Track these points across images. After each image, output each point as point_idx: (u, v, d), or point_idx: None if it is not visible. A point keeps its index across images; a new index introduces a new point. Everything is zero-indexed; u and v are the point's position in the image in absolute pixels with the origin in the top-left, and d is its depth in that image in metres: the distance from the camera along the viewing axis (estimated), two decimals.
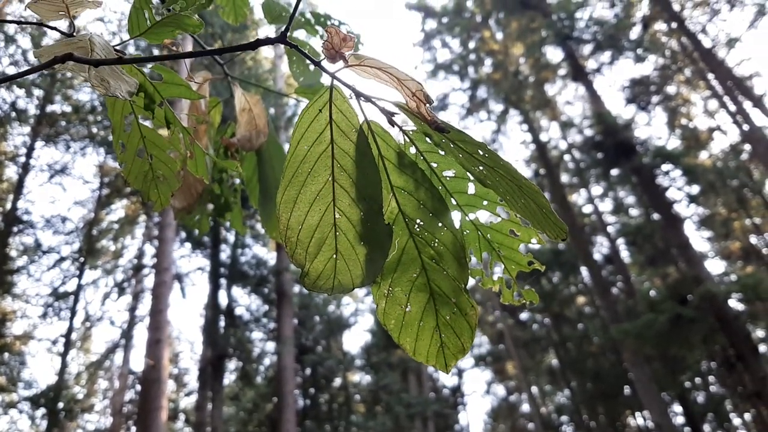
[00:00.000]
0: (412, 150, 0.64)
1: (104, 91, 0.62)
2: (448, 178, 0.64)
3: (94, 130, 15.79)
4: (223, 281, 18.18)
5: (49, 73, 14.97)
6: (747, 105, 16.66)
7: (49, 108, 15.14)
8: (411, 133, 0.63)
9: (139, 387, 16.92)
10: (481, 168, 0.59)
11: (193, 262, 28.65)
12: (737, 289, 14.03)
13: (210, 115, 1.40)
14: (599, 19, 19.11)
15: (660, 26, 19.32)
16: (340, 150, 0.61)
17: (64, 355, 15.00)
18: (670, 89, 20.45)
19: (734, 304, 14.45)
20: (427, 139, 0.63)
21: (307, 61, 1.42)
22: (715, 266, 26.05)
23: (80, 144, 15.83)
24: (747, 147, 18.37)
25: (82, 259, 16.43)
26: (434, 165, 0.64)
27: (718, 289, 13.52)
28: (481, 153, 0.57)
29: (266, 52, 19.82)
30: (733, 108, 17.44)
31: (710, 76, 18.26)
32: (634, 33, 18.84)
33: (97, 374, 19.80)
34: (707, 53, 16.87)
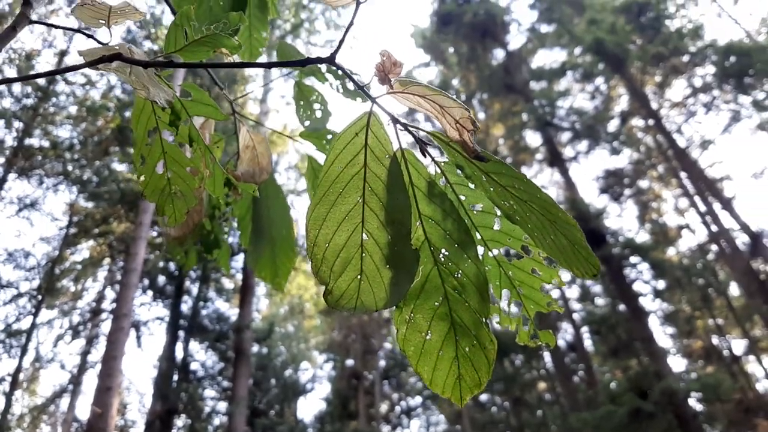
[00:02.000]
0: (442, 181, 0.65)
1: (145, 95, 0.63)
2: (475, 212, 0.65)
3: (70, 167, 15.65)
4: (181, 333, 17.81)
5: (32, 105, 14.95)
6: (716, 206, 17.12)
7: (27, 141, 15.02)
8: (443, 164, 0.65)
9: None
10: (511, 203, 0.60)
11: (152, 311, 28.16)
12: (697, 388, 14.08)
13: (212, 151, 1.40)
14: (579, 109, 19.70)
15: (637, 122, 19.96)
16: (372, 174, 0.61)
17: (9, 395, 14.45)
18: (643, 183, 20.96)
19: (693, 403, 14.46)
20: (459, 171, 0.64)
21: (315, 106, 1.44)
22: (676, 363, 26.15)
23: (54, 180, 15.66)
24: (714, 247, 18.76)
25: (40, 297, 16.02)
26: (462, 198, 0.65)
27: (679, 386, 13.55)
28: (516, 186, 0.58)
29: (252, 107, 20.04)
30: (702, 208, 17.91)
31: (683, 174, 18.80)
32: (612, 126, 19.42)
33: (40, 418, 19.06)
34: (681, 152, 17.40)
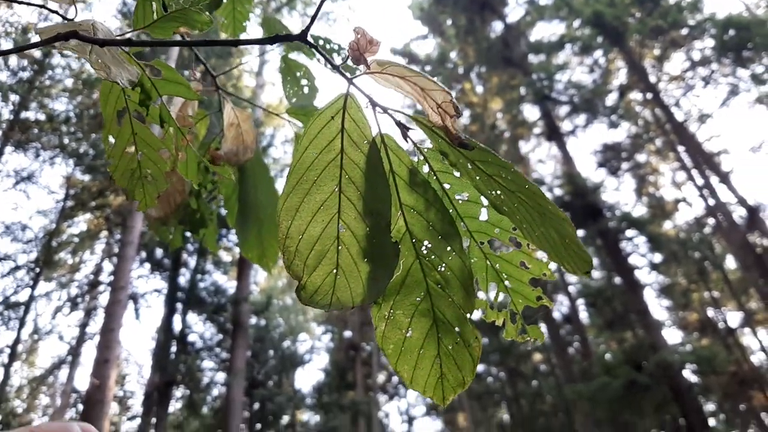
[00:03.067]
0: (425, 169, 0.61)
1: (105, 75, 0.58)
2: (460, 202, 0.61)
3: (66, 140, 15.56)
4: (179, 306, 17.84)
5: (28, 78, 14.81)
6: (714, 180, 17.09)
7: (24, 114, 14.90)
8: (426, 150, 0.60)
9: (81, 407, 16.41)
10: (498, 192, 0.56)
11: (150, 284, 28.13)
12: (692, 360, 14.17)
13: (196, 128, 1.36)
14: (577, 83, 19.56)
15: (636, 95, 19.83)
16: (349, 161, 0.57)
17: (7, 367, 14.52)
18: (641, 157, 20.89)
19: (688, 375, 14.57)
20: (443, 158, 0.59)
21: (303, 82, 1.39)
22: (671, 336, 26.34)
23: (50, 153, 15.57)
24: (711, 221, 18.77)
25: (37, 270, 16.02)
26: (447, 186, 0.61)
27: (674, 358, 13.62)
28: (503, 175, 0.54)
29: (247, 80, 19.88)
30: (700, 181, 17.88)
31: (680, 148, 18.73)
32: (610, 99, 19.29)
33: (39, 389, 19.19)
34: (679, 126, 17.32)
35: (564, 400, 17.25)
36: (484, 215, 0.60)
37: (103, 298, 18.05)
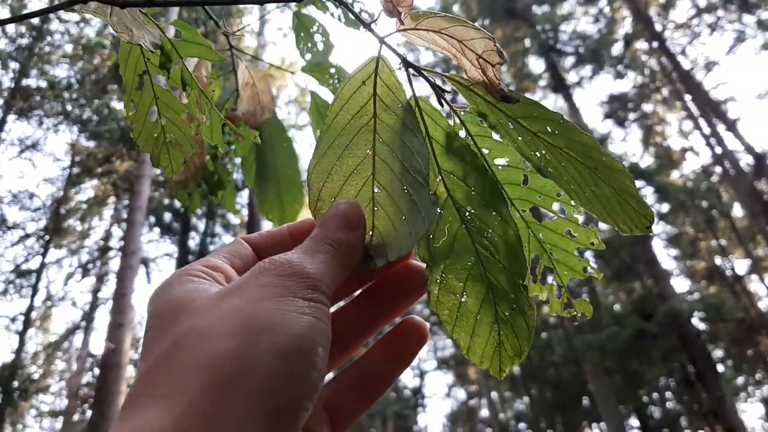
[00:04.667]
0: (462, 133, 0.58)
1: (128, 38, 0.56)
2: (500, 167, 0.58)
3: (69, 107, 15.49)
4: None
5: (27, 45, 14.69)
6: (721, 128, 16.94)
7: (24, 82, 14.82)
8: (462, 113, 0.58)
9: (97, 370, 16.67)
10: (543, 152, 0.54)
11: (160, 248, 28.30)
12: (700, 308, 14.26)
13: (211, 88, 1.33)
14: (583, 33, 19.29)
15: (641, 45, 19.57)
16: (383, 124, 0.55)
17: (22, 334, 14.72)
18: (647, 107, 20.70)
19: (696, 323, 14.67)
20: (481, 120, 0.57)
21: (316, 38, 1.36)
22: (679, 285, 26.45)
23: (53, 120, 15.53)
24: (718, 169, 18.67)
25: (47, 238, 16.13)
26: (486, 151, 0.58)
27: (682, 306, 13.70)
28: (550, 130, 0.52)
29: (249, 40, 19.64)
30: (707, 130, 17.72)
31: (687, 97, 18.53)
32: (616, 49, 19.04)
33: (54, 355, 19.47)
34: (685, 75, 17.11)
35: (573, 351, 17.42)
36: (526, 181, 0.58)
37: (114, 264, 18.19)
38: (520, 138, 0.54)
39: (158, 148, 0.77)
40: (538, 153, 0.54)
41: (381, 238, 0.53)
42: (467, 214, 0.56)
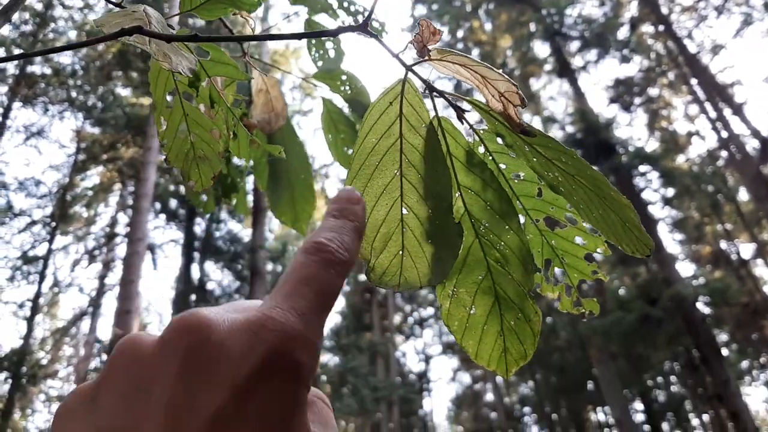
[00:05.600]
0: (481, 150, 0.62)
1: (168, 66, 0.60)
2: (515, 181, 0.63)
3: (74, 94, 15.51)
4: (196, 255, 18.05)
5: (31, 32, 14.69)
6: (727, 112, 16.88)
7: (29, 69, 14.83)
8: (481, 132, 0.62)
9: (104, 356, 16.78)
10: (555, 174, 0.58)
11: (166, 234, 28.50)
12: (705, 293, 14.26)
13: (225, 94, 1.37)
14: (588, 17, 19.16)
15: (647, 28, 19.45)
16: (408, 145, 0.59)
17: (30, 320, 14.82)
18: (653, 91, 20.61)
19: (701, 307, 14.68)
20: (499, 139, 0.61)
21: (328, 45, 1.39)
22: (685, 269, 26.45)
23: (58, 107, 15.55)
24: (724, 153, 18.62)
25: (53, 224, 16.21)
26: (503, 166, 0.62)
27: (687, 291, 13.71)
28: (563, 160, 0.56)
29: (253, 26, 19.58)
30: (713, 114, 17.67)
31: (693, 81, 18.45)
32: (622, 33, 18.91)
33: (62, 341, 19.61)
34: (692, 58, 17.02)
35: (578, 336, 17.48)
36: (539, 194, 0.63)
37: (121, 250, 18.29)
38: (534, 159, 0.59)
39: (188, 163, 0.81)
40: (551, 174, 0.59)
41: (407, 280, 0.58)
42: (482, 228, 0.60)
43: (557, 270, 0.65)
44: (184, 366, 0.34)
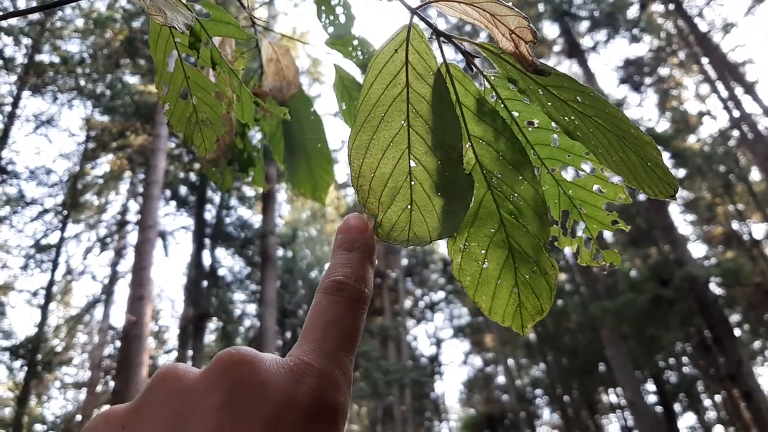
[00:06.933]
0: (492, 97, 0.60)
1: (162, 21, 0.57)
2: (530, 129, 0.60)
3: (82, 82, 15.52)
4: (207, 241, 18.10)
5: (39, 21, 14.68)
6: (738, 91, 16.71)
7: (38, 57, 14.83)
8: (492, 78, 0.59)
9: (118, 342, 16.91)
10: (572, 117, 0.55)
11: (177, 221, 28.62)
12: (717, 273, 14.18)
13: (235, 65, 1.34)
14: None
15: (657, 7, 19.23)
16: (415, 94, 0.56)
17: (44, 308, 14.92)
18: (663, 71, 20.44)
19: (713, 287, 14.62)
20: (511, 85, 0.58)
21: (338, 10, 1.36)
22: (696, 250, 26.32)
23: (68, 96, 15.56)
24: (735, 133, 18.45)
25: (65, 212, 16.28)
26: (516, 114, 0.59)
27: (699, 272, 13.64)
28: (580, 100, 0.53)
29: (260, 12, 19.53)
30: (724, 93, 17.50)
31: (704, 60, 18.27)
32: (632, 12, 18.71)
33: (76, 328, 19.76)
34: (702, 37, 16.84)
35: (590, 318, 17.43)
36: (555, 142, 0.60)
37: (132, 237, 18.36)
38: (549, 104, 0.56)
39: (191, 127, 0.78)
40: (567, 118, 0.56)
41: (416, 233, 0.56)
42: (494, 179, 0.57)
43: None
44: (228, 398, 0.35)
